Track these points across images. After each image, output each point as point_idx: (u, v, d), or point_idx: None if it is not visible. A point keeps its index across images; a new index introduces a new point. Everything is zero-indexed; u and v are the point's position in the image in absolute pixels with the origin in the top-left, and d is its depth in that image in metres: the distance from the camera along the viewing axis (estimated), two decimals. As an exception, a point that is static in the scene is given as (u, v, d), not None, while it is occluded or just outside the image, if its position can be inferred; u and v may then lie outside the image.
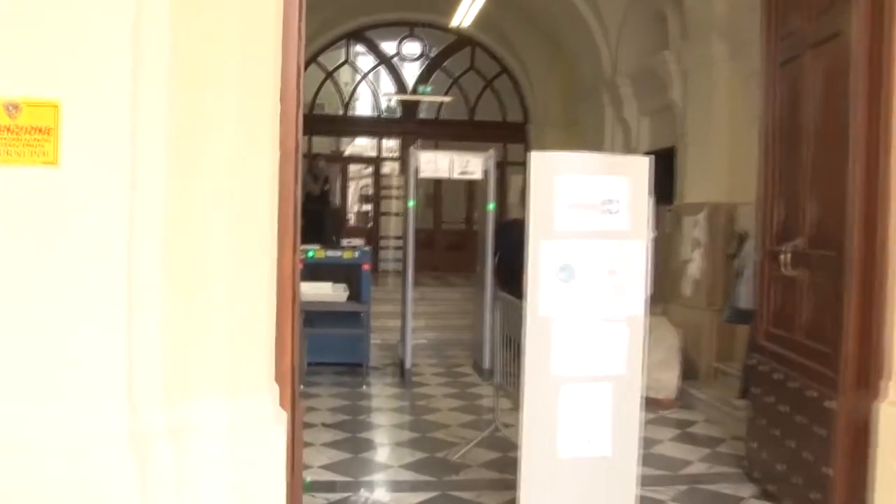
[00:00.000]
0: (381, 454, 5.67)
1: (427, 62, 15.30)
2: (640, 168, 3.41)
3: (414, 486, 4.90)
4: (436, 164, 8.13)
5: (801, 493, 4.34)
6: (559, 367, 3.36)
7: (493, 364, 7.98)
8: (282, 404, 3.34)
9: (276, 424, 3.21)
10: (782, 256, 4.64)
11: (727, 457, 5.74)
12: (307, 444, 5.62)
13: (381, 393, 7.55)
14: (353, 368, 8.08)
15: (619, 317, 3.41)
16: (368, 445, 5.87)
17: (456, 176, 8.16)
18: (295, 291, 3.37)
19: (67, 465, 2.50)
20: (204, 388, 2.93)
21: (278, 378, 3.32)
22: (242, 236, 2.93)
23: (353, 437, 5.96)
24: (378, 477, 5.16)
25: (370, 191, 16.06)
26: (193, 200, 2.84)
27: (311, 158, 12.46)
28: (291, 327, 3.37)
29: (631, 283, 3.38)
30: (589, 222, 3.33)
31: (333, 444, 5.75)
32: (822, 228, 4.43)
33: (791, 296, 4.78)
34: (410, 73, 15.40)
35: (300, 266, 8.05)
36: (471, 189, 15.25)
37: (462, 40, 15.02)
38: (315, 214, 10.68)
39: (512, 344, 5.72)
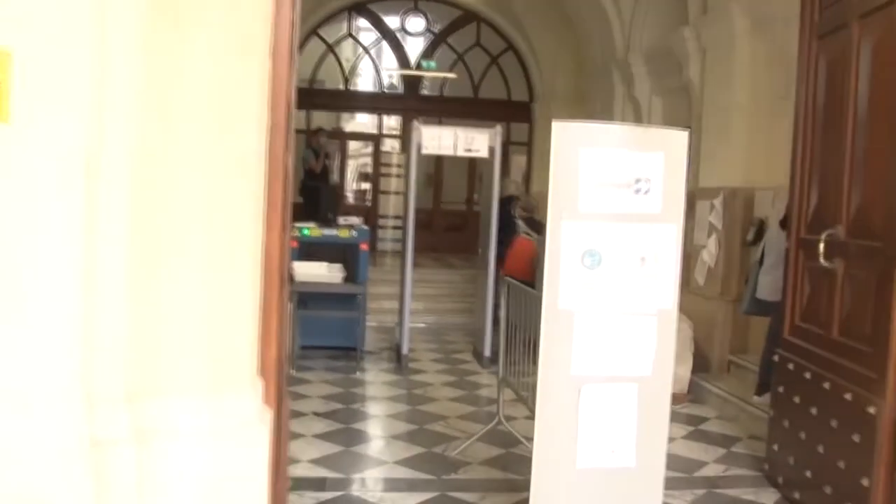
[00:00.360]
0: (375, 448, 5.30)
1: (431, 38, 14.84)
2: (676, 143, 3.02)
3: (411, 486, 4.54)
4: (440, 140, 7.72)
5: (833, 504, 3.99)
6: (580, 366, 2.98)
7: (493, 352, 7.67)
8: (266, 401, 2.97)
9: (258, 424, 2.84)
10: (820, 245, 4.26)
11: (745, 458, 5.39)
12: (296, 436, 5.27)
13: (375, 380, 7.19)
14: (347, 352, 7.72)
15: (649, 311, 3.03)
16: (362, 437, 5.50)
17: (461, 153, 7.75)
18: (283, 274, 2.99)
19: (8, 477, 2.12)
20: (176, 386, 2.56)
21: (263, 372, 2.95)
22: (223, 211, 2.54)
23: (345, 429, 5.60)
24: (371, 474, 4.80)
25: (369, 169, 15.63)
26: (165, 170, 2.45)
27: (313, 132, 12.01)
28: (278, 315, 2.99)
29: (663, 272, 3.00)
30: (618, 203, 2.95)
31: (325, 436, 5.38)
32: (865, 216, 4.05)
33: (824, 288, 4.41)
34: (414, 48, 14.94)
35: (293, 245, 7.73)
36: (472, 168, 14.88)
37: (468, 16, 14.56)
38: (314, 191, 10.28)
39: (518, 333, 5.36)
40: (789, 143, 7.11)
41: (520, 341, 5.31)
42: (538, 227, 8.59)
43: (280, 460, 3.13)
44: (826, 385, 4.21)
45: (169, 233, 2.46)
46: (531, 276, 7.86)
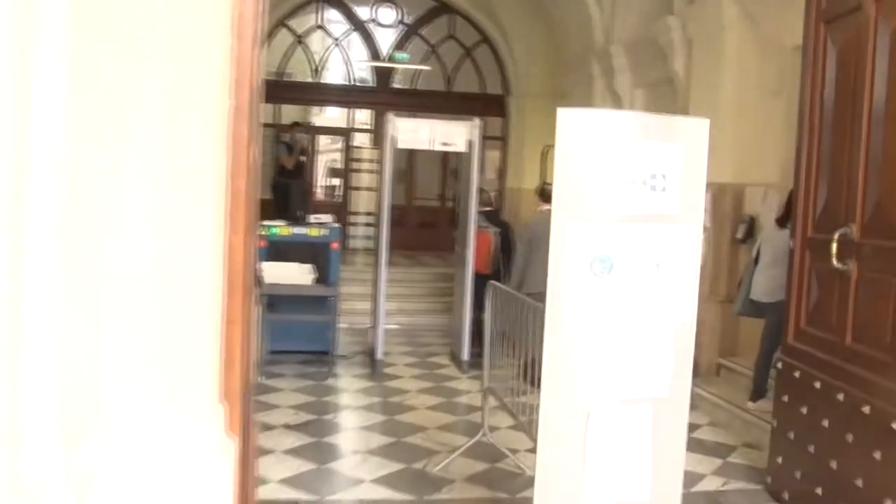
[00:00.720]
0: (351, 464, 4.92)
1: (404, 29, 14.43)
2: (696, 133, 2.68)
3: (390, 508, 4.19)
4: (415, 133, 7.34)
5: (850, 526, 3.70)
6: (588, 387, 2.64)
7: (473, 355, 7.33)
8: (230, 428, 2.58)
9: (220, 457, 2.45)
10: (833, 246, 3.95)
11: (743, 469, 5.10)
12: (266, 452, 4.89)
13: (349, 387, 6.80)
14: (318, 357, 7.33)
15: (665, 323, 2.69)
16: (335, 453, 5.12)
17: (437, 147, 7.39)
18: (249, 283, 2.60)
19: None
20: (122, 417, 2.16)
21: (226, 396, 2.55)
22: (174, 211, 2.15)
23: (318, 443, 5.21)
24: (348, 495, 4.41)
25: (339, 164, 15.17)
26: (104, 160, 2.05)
27: (288, 126, 11.54)
28: (244, 329, 2.60)
29: (680, 280, 2.67)
30: (631, 201, 2.60)
31: (296, 452, 4.99)
32: (882, 214, 3.75)
33: (835, 291, 4.11)
34: (385, 40, 14.51)
35: (261, 245, 7.31)
36: (445, 163, 14.51)
37: (440, 7, 14.17)
38: (286, 188, 9.88)
39: (505, 340, 5.02)
40: (780, 139, 6.93)
41: (507, 349, 4.98)
42: (497, 220, 8.39)
43: (247, 495, 2.75)
44: (840, 396, 3.91)
45: (112, 238, 2.06)
46: (488, 268, 7.63)
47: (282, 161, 10.77)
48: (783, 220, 5.67)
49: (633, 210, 2.62)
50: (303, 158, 10.99)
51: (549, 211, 7.61)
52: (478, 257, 7.80)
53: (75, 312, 1.98)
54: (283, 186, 10.28)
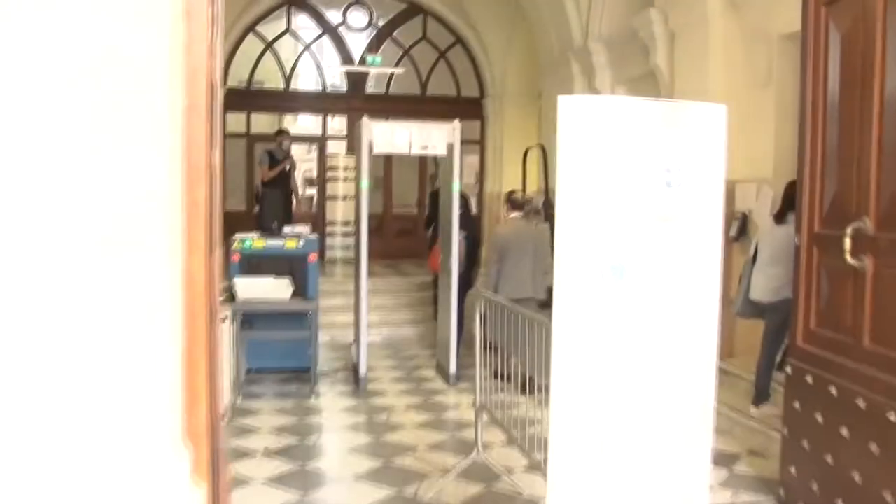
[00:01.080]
0: (338, 494, 4.58)
1: (375, 32, 14.12)
2: (713, 120, 2.40)
3: (382, 541, 3.87)
4: (392, 137, 7.04)
5: (879, 543, 3.43)
6: (603, 411, 2.34)
7: (460, 366, 7.03)
8: (195, 472, 2.26)
9: (186, 508, 2.13)
10: (846, 241, 3.70)
11: (751, 480, 4.83)
12: (243, 482, 4.56)
13: (333, 405, 6.47)
14: (299, 375, 7.00)
15: (686, 337, 2.41)
16: (320, 480, 4.79)
17: (416, 152, 7.08)
18: (213, 306, 2.28)
19: None
20: (63, 465, 1.84)
21: (190, 435, 2.23)
22: (118, 230, 1.83)
23: (301, 471, 4.88)
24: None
25: (314, 173, 14.82)
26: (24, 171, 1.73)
27: (275, 134, 11.13)
28: (209, 359, 2.28)
29: (701, 285, 2.39)
30: (645, 199, 2.32)
31: (278, 481, 4.66)
32: (899, 206, 3.50)
33: (848, 289, 3.85)
34: (357, 44, 14.19)
35: (235, 259, 6.95)
36: (423, 169, 14.21)
37: (413, 8, 13.90)
38: (275, 200, 9.57)
39: (497, 353, 4.73)
40: (770, 132, 6.70)
41: (492, 358, 4.70)
42: (467, 221, 8.23)
43: (219, 547, 2.43)
44: (860, 403, 3.65)
45: (35, 264, 1.74)
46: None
47: (266, 170, 10.34)
48: (781, 215, 5.43)
49: (646, 209, 2.34)
50: (288, 168, 10.59)
51: (519, 218, 7.40)
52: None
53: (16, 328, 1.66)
54: (270, 199, 9.91)
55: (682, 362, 2.44)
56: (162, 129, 1.87)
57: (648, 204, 2.36)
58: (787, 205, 5.20)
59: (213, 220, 2.16)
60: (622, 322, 2.37)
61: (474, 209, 13.10)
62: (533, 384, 4.21)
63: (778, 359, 5.53)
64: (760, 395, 5.60)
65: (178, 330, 2.04)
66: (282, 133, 11.06)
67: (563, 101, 2.32)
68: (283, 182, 10.46)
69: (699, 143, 2.38)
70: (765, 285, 5.50)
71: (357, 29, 14.09)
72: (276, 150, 10.56)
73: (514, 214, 7.28)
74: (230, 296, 6.44)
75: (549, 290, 4.75)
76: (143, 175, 1.85)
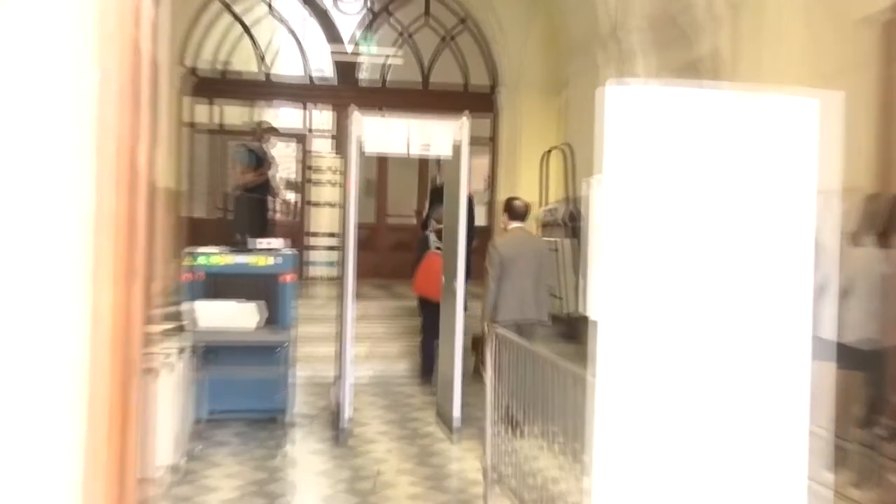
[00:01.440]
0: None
1: (370, 15, 13.86)
2: (802, 115, 2.09)
3: None
4: (387, 135, 6.73)
5: None
6: (663, 484, 2.01)
7: (465, 413, 6.70)
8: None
9: None
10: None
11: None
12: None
13: (309, 462, 6.11)
14: (269, 419, 6.67)
15: (770, 398, 2.07)
16: (291, 560, 4.45)
17: (416, 152, 6.77)
18: (136, 353, 1.96)
19: None
20: None
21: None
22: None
23: (266, 546, 4.54)
24: None
25: (294, 175, 14.51)
26: None
27: (255, 126, 10.78)
28: (128, 425, 1.96)
29: (792, 309, 2.07)
30: (715, 214, 2.02)
31: (237, 560, 4.32)
32: None
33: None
34: (349, 29, 13.93)
35: (199, 277, 6.61)
36: (423, 172, 13.92)
37: (413, -17, 13.69)
38: (252, 207, 9.35)
39: (516, 400, 4.39)
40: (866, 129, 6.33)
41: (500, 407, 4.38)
42: (470, 231, 7.90)
43: None
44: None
45: None
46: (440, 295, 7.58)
47: (247, 176, 9.99)
48: (865, 235, 5.11)
49: (722, 223, 2.03)
50: (271, 172, 10.29)
51: (520, 229, 7.12)
52: (430, 283, 7.92)
53: None
54: (249, 205, 9.64)
55: (764, 435, 2.10)
56: (61, 108, 1.54)
57: (719, 219, 2.06)
58: (888, 222, 4.92)
59: (137, 238, 1.83)
60: (687, 370, 2.04)
61: (483, 219, 12.81)
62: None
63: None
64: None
65: (79, 387, 1.70)
66: (269, 130, 10.66)
67: (611, 91, 2.01)
68: (261, 186, 10.15)
69: (784, 145, 2.08)
70: (861, 321, 5.12)
71: (349, 14, 13.82)
72: (258, 148, 10.22)
73: (515, 224, 6.99)
74: (188, 323, 6.11)
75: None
76: (34, 174, 1.52)
